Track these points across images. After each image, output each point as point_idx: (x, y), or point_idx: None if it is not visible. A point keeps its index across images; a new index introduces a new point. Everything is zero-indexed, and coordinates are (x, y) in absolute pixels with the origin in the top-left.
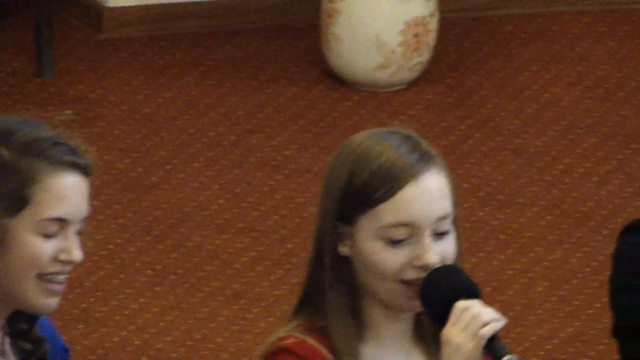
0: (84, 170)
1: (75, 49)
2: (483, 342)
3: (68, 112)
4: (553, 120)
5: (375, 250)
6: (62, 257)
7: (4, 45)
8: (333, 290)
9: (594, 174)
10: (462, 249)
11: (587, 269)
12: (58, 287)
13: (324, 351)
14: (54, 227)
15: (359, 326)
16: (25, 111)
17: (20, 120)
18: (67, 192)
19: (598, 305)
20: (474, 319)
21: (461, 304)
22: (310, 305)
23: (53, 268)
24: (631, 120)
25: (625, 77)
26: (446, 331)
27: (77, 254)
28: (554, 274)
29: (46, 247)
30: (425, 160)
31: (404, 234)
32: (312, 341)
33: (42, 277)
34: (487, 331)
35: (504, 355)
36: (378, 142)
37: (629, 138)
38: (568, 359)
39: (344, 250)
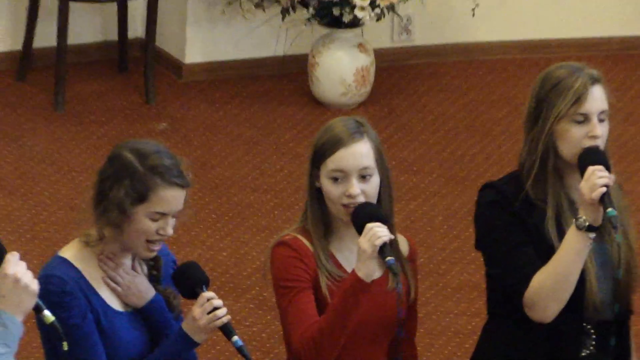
0: (183, 186)
1: (167, 87)
2: (377, 248)
3: (164, 124)
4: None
5: (327, 185)
6: (161, 232)
7: (126, 85)
8: (313, 208)
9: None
10: (392, 194)
11: None
12: (156, 247)
13: (308, 245)
14: (158, 216)
15: (328, 229)
16: (141, 124)
17: (155, 148)
18: (170, 199)
19: None
20: (374, 233)
21: (369, 225)
22: (304, 218)
23: (155, 237)
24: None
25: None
26: (359, 240)
27: (170, 231)
28: None
29: (152, 226)
30: (359, 133)
31: (340, 176)
32: (302, 238)
33: (148, 242)
34: (380, 241)
35: (387, 257)
36: (337, 122)
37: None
38: None
39: (318, 184)
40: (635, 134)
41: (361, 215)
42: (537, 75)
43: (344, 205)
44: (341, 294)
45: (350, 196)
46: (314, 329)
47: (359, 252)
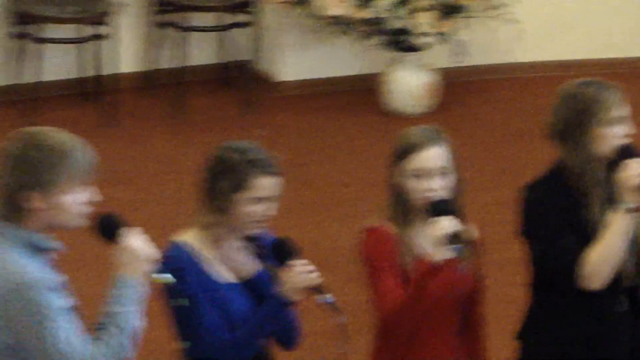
0: (277, 174)
1: (264, 100)
2: (444, 238)
3: (261, 131)
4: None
5: (409, 182)
6: (264, 214)
7: (231, 99)
8: (394, 201)
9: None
10: (461, 188)
11: None
12: (262, 226)
13: (391, 231)
14: (259, 200)
15: (406, 218)
16: (243, 130)
17: (250, 145)
18: (267, 185)
19: None
20: (442, 226)
21: (438, 218)
22: (387, 208)
23: (259, 219)
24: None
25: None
26: (431, 231)
27: (271, 212)
28: None
29: (257, 208)
30: (438, 138)
31: (422, 174)
32: (386, 225)
33: (254, 222)
34: (446, 232)
35: (453, 244)
36: (416, 129)
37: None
38: None
39: (398, 181)
40: None
41: (434, 210)
42: (560, 92)
43: (424, 199)
44: (420, 273)
45: (430, 191)
46: (400, 300)
47: (432, 240)
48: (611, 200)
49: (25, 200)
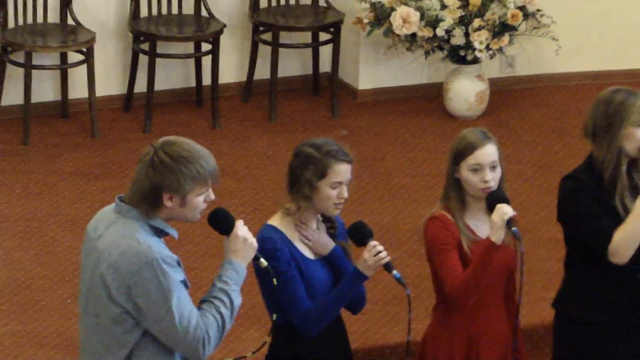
0: (349, 161)
1: (346, 106)
2: (505, 221)
3: (344, 131)
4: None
5: (468, 175)
6: (340, 196)
7: (318, 105)
8: (454, 192)
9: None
10: (505, 178)
11: None
12: (340, 207)
13: (451, 218)
14: (336, 185)
15: (463, 206)
16: (328, 131)
17: (324, 140)
18: (342, 171)
19: None
20: (504, 211)
21: (499, 205)
22: (446, 198)
23: (337, 201)
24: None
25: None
26: (492, 216)
27: (346, 195)
28: None
29: (334, 193)
30: (488, 138)
31: (478, 168)
32: (446, 213)
33: (333, 204)
34: (507, 216)
35: (512, 227)
36: (469, 131)
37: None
38: None
39: (457, 175)
40: None
41: (493, 198)
42: (595, 98)
43: (481, 189)
44: (480, 253)
45: (485, 182)
46: (462, 277)
47: (492, 224)
48: (634, 189)
49: (157, 198)
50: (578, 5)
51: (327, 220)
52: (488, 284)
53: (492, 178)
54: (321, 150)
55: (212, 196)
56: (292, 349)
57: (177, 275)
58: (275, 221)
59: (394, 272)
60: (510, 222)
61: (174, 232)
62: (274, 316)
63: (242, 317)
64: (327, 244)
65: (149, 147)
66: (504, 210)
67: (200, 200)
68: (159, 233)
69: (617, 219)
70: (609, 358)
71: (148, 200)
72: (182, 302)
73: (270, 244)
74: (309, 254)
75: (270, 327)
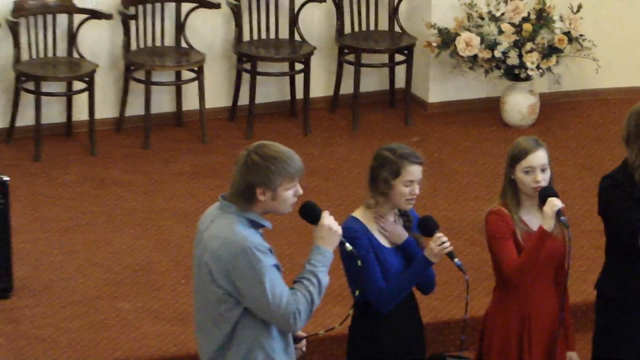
0: (420, 163)
1: (418, 116)
2: (555, 212)
3: (416, 138)
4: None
5: (522, 177)
6: (412, 193)
7: (393, 115)
8: (510, 191)
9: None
10: (554, 178)
11: None
12: (412, 202)
13: (507, 212)
14: (409, 183)
15: (518, 202)
16: (402, 138)
17: (398, 144)
18: (414, 171)
19: None
20: (554, 204)
21: (550, 198)
22: (503, 196)
23: (409, 197)
24: None
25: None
26: (544, 208)
27: (417, 191)
28: None
29: (407, 190)
30: (539, 144)
31: (530, 170)
32: (503, 208)
33: (406, 200)
34: (557, 208)
35: (561, 217)
36: (523, 139)
37: None
38: None
39: (513, 176)
40: None
41: (544, 193)
42: (629, 110)
43: (533, 188)
44: (534, 240)
45: (537, 182)
46: (518, 262)
47: (544, 214)
48: None
49: (251, 193)
50: (615, 31)
51: (404, 215)
52: (540, 268)
53: (543, 179)
54: (396, 153)
55: (300, 191)
56: (370, 323)
57: (269, 261)
58: (357, 213)
59: (456, 260)
60: (559, 213)
61: (267, 224)
62: (357, 292)
63: (329, 295)
64: (402, 234)
65: (244, 151)
66: (554, 203)
67: (290, 194)
68: (255, 225)
69: None
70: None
71: (244, 196)
72: (274, 283)
73: (352, 232)
74: (385, 243)
75: (352, 304)
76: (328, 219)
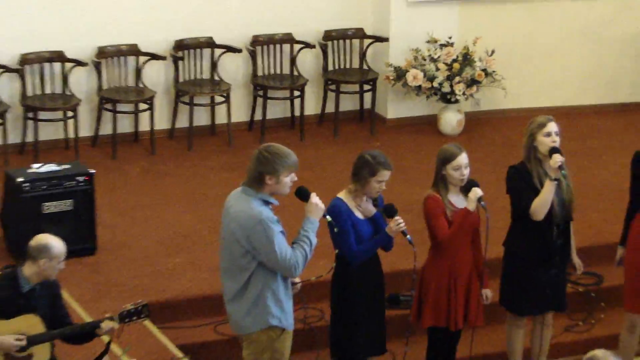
0: (390, 169)
1: (380, 128)
2: (477, 198)
3: (378, 143)
4: None
5: (450, 172)
6: (380, 188)
7: (363, 128)
8: (440, 182)
9: None
10: (471, 173)
11: None
12: (379, 193)
13: (439, 196)
14: (381, 181)
15: (447, 190)
16: (368, 143)
17: (379, 153)
18: (385, 175)
19: None
20: (476, 192)
21: (474, 188)
22: (435, 186)
23: (378, 190)
24: None
25: None
26: (469, 194)
27: (383, 187)
28: None
29: (377, 185)
30: (461, 150)
31: (458, 167)
32: (437, 195)
33: (375, 192)
34: (478, 195)
35: (482, 201)
36: (449, 145)
37: None
38: None
39: (444, 172)
40: None
41: (469, 184)
42: (528, 122)
43: (460, 180)
44: (460, 217)
45: (463, 176)
46: (449, 232)
47: (469, 200)
48: (546, 175)
49: (262, 179)
50: (519, 66)
51: (375, 199)
52: (462, 235)
53: (466, 173)
54: (375, 159)
55: (295, 178)
56: (347, 273)
57: (277, 228)
58: (341, 195)
59: (408, 236)
60: (480, 199)
61: (275, 201)
62: (337, 251)
63: (317, 252)
64: (372, 210)
65: (255, 150)
66: (477, 192)
67: (288, 180)
68: (266, 202)
69: (536, 192)
70: (533, 279)
71: (256, 181)
72: (281, 244)
73: (337, 208)
74: (359, 215)
75: (334, 258)
76: (315, 198)
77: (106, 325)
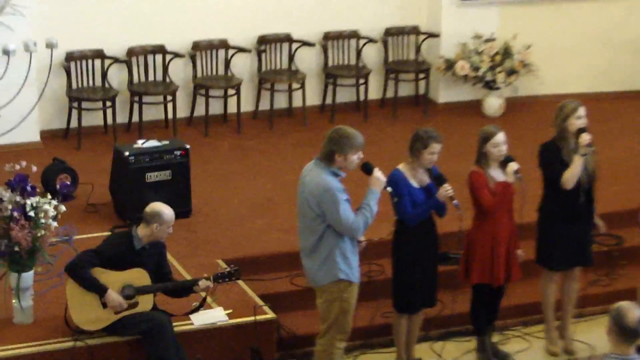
0: (440, 142)
1: (432, 111)
2: (513, 171)
3: (431, 125)
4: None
5: (490, 149)
6: (433, 159)
7: (419, 110)
8: (482, 158)
9: None
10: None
11: None
12: (433, 163)
13: (482, 171)
14: (432, 153)
15: (488, 166)
16: (422, 124)
17: (431, 128)
18: (436, 147)
19: None
20: (512, 167)
21: (510, 163)
22: (478, 161)
23: (431, 161)
24: None
25: None
26: (506, 169)
27: (436, 159)
28: None
29: (430, 157)
30: (499, 130)
31: (496, 144)
32: (480, 169)
33: (428, 162)
34: (515, 168)
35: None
36: (488, 126)
37: None
38: None
39: (484, 149)
40: None
41: (506, 159)
42: (557, 106)
43: (499, 156)
44: (500, 188)
45: (501, 152)
46: (492, 201)
47: (507, 173)
48: (574, 151)
49: (332, 156)
50: (552, 59)
51: (429, 169)
52: (503, 203)
53: (504, 150)
54: (427, 133)
55: (362, 155)
56: (405, 233)
57: (343, 196)
58: (400, 166)
59: (455, 201)
60: (517, 172)
61: (343, 174)
62: (396, 218)
63: (379, 217)
64: (426, 180)
65: (328, 130)
66: (512, 166)
67: (355, 158)
68: (335, 174)
69: (565, 166)
70: (563, 236)
71: (328, 157)
72: (346, 210)
73: (395, 177)
74: (415, 184)
75: (394, 222)
76: (378, 173)
77: (203, 283)
